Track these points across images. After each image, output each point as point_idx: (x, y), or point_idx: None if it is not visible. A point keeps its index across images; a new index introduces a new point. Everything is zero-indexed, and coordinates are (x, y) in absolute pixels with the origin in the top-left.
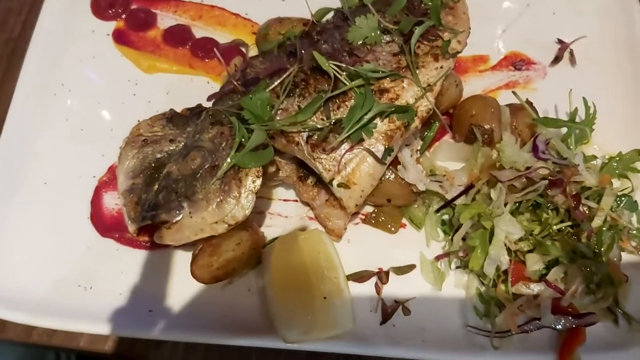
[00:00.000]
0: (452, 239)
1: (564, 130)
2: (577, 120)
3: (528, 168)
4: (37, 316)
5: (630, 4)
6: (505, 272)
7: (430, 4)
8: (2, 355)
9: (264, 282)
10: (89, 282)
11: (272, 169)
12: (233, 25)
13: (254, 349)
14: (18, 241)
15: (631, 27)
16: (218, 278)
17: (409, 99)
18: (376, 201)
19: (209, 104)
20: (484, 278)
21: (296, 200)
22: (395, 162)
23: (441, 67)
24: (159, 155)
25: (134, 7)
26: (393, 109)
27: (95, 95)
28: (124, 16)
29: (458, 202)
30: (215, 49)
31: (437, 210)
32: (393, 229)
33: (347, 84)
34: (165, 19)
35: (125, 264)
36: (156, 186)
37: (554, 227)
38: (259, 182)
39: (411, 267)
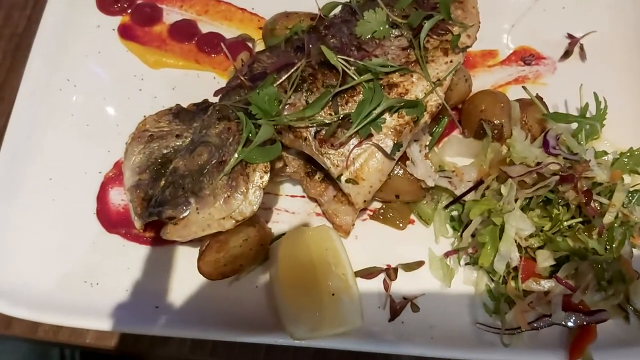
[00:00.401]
0: (461, 235)
1: (575, 125)
2: (588, 115)
3: (538, 164)
4: (43, 312)
5: None
6: (516, 268)
7: None
8: (6, 352)
9: (271, 278)
10: (95, 278)
11: (280, 164)
12: (239, 20)
13: (261, 345)
14: (24, 237)
15: None
16: (225, 274)
17: (418, 94)
18: (384, 197)
19: (215, 99)
20: (493, 275)
21: (303, 196)
22: (404, 158)
23: (451, 62)
24: (165, 151)
25: (139, 1)
26: (402, 104)
27: (101, 91)
28: (129, 11)
29: (467, 198)
30: (222, 44)
31: (446, 206)
32: (401, 225)
33: (356, 78)
34: (171, 14)
35: (132, 260)
36: (163, 182)
37: (565, 223)
38: (266, 177)
39: (420, 264)
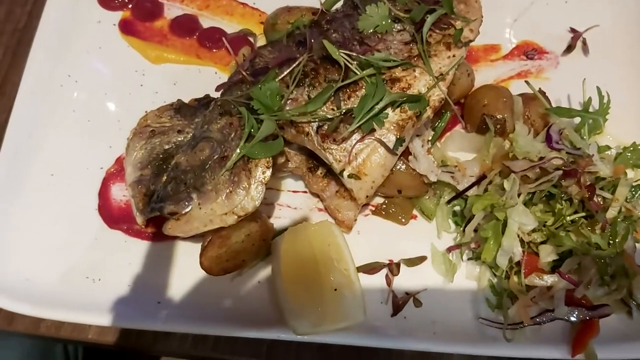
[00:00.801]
0: (463, 230)
1: (577, 120)
2: (590, 110)
3: (541, 158)
4: (45, 308)
5: None
6: (518, 263)
7: None
8: (9, 348)
9: (273, 273)
10: (97, 274)
11: (282, 159)
12: (241, 14)
13: (264, 340)
14: (26, 234)
15: None
16: (227, 270)
17: (420, 88)
18: (387, 192)
19: (217, 95)
20: (496, 270)
21: (305, 192)
22: (406, 153)
23: (453, 56)
24: (167, 147)
25: None
26: (405, 99)
27: (102, 86)
28: (130, 6)
29: (470, 193)
30: (224, 39)
31: (449, 202)
32: (404, 220)
33: (358, 73)
34: (172, 9)
35: (134, 256)
36: (164, 177)
37: (568, 218)
38: (268, 173)
39: (422, 259)
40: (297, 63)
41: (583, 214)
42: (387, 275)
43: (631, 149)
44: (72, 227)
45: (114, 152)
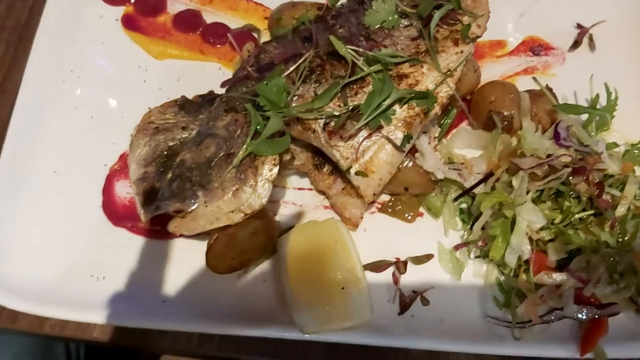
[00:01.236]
0: (471, 228)
1: (585, 117)
2: (597, 106)
3: (549, 156)
4: (49, 307)
5: None
6: (527, 261)
7: None
8: (10, 344)
9: (279, 271)
10: (101, 272)
11: (287, 157)
12: (244, 9)
13: (270, 339)
14: (29, 232)
15: None
16: (233, 268)
17: (428, 85)
18: (393, 190)
19: (221, 91)
20: (504, 268)
21: (311, 189)
22: (413, 150)
23: (461, 52)
24: (171, 143)
25: None
26: (413, 95)
27: (105, 82)
28: (133, 1)
29: (477, 190)
30: (229, 35)
31: (456, 199)
32: (410, 217)
33: (365, 69)
34: (175, 4)
35: (138, 254)
36: (170, 175)
37: (576, 216)
38: (275, 170)
39: (429, 257)
40: (303, 59)
41: (592, 211)
42: (393, 274)
43: (639, 145)
44: (76, 225)
45: (117, 148)
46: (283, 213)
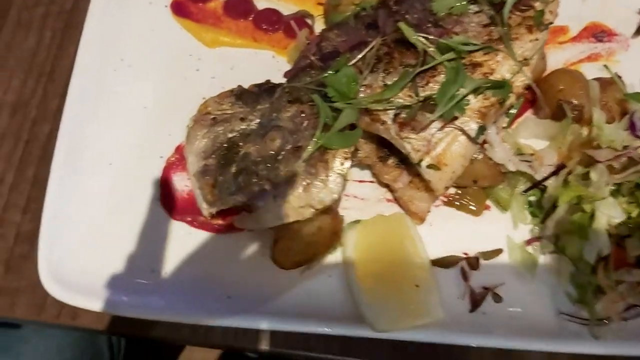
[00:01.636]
0: (543, 222)
1: None
2: None
3: (625, 147)
4: (111, 304)
5: None
6: (605, 257)
7: None
8: (55, 337)
9: (345, 267)
10: (161, 267)
11: (352, 148)
12: None
13: (336, 336)
14: (87, 228)
15: None
16: (299, 263)
17: (504, 74)
18: (461, 182)
19: (277, 80)
20: (579, 263)
21: (372, 182)
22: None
23: (536, 40)
24: (230, 135)
25: None
26: (489, 85)
27: (156, 71)
28: None
29: (547, 182)
30: (291, 22)
31: (526, 191)
32: (477, 211)
33: (437, 57)
34: None
35: (199, 248)
36: (234, 168)
37: None
38: (347, 164)
39: (498, 252)
40: (370, 47)
41: None
42: (462, 269)
43: None
44: (133, 218)
45: (173, 140)
46: (345, 206)
